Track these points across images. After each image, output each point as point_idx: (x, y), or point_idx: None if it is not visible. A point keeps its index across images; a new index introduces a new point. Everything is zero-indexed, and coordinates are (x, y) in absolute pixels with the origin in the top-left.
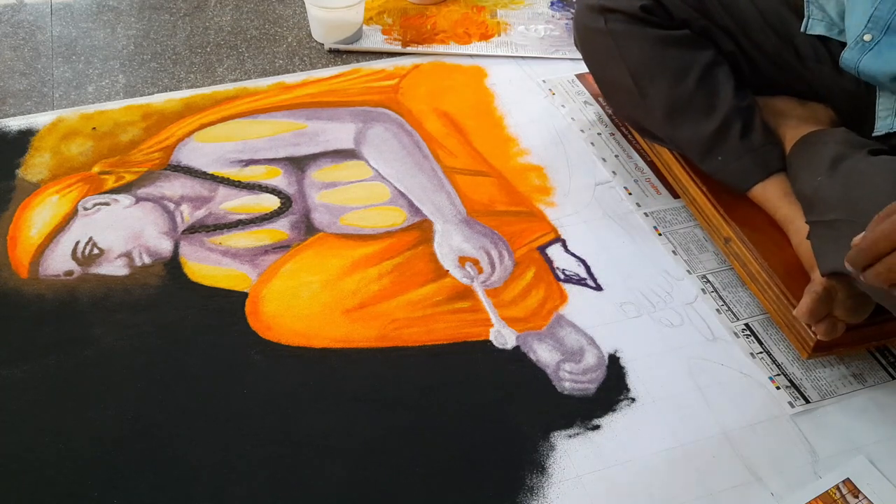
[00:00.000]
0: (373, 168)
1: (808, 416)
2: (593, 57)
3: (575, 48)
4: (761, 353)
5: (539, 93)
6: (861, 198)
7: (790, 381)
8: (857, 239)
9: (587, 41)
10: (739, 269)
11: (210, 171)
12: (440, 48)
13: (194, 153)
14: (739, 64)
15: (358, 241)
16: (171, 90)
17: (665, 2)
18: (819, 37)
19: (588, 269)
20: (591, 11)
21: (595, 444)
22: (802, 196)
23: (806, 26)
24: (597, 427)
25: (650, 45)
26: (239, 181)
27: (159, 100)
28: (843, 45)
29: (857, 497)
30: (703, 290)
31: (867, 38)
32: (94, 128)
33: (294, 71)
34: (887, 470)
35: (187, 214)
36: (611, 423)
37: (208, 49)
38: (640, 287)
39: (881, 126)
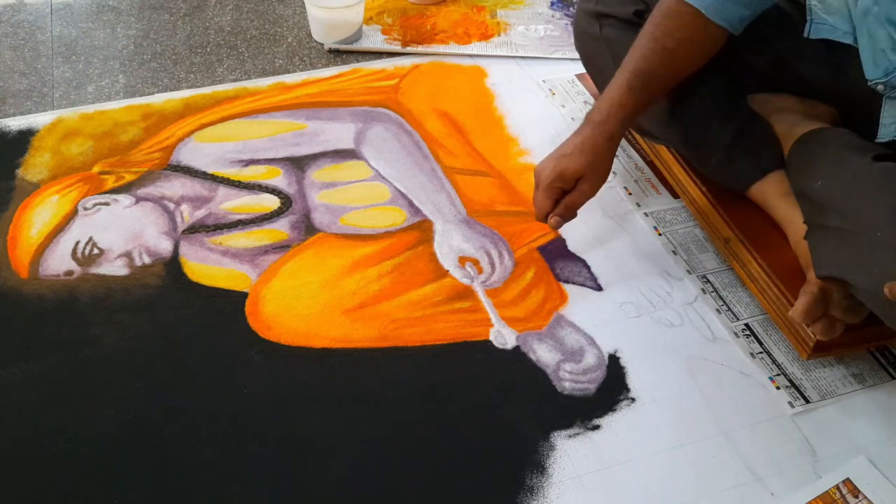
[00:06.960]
0: (373, 168)
1: (808, 416)
2: (590, 61)
3: (575, 48)
4: (761, 353)
5: (539, 93)
6: (863, 209)
7: (790, 381)
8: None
9: (584, 46)
10: (739, 270)
11: (210, 171)
12: (440, 48)
13: (194, 153)
14: (739, 65)
15: (358, 241)
16: (171, 90)
17: None
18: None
19: (588, 269)
20: (588, 17)
21: (595, 444)
22: (801, 197)
23: (808, 31)
24: (597, 427)
25: None
26: (239, 181)
27: (159, 100)
28: (845, 46)
29: (857, 497)
30: (703, 290)
31: (880, 88)
32: None
33: (294, 71)
34: (887, 470)
35: (187, 214)
36: (611, 423)
37: (208, 49)
38: (640, 287)
39: (884, 133)
